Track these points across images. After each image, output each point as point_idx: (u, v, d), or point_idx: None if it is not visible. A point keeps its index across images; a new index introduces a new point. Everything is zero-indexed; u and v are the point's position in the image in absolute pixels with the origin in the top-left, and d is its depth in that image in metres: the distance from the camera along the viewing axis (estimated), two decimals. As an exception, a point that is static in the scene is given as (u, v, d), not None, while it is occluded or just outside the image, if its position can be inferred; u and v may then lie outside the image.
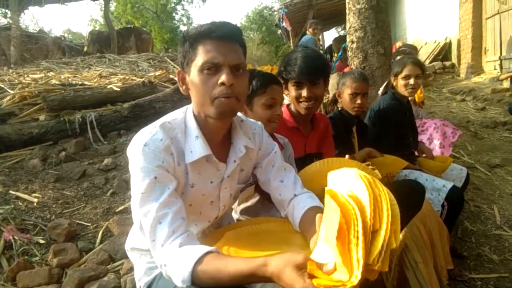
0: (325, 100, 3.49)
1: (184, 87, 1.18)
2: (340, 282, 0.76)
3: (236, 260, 0.94)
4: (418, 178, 2.25)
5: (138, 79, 5.24)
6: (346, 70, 3.59)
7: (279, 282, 0.86)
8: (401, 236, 1.84)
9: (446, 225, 2.12)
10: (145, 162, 1.05)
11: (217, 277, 0.91)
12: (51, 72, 6.20)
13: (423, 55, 8.81)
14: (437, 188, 2.18)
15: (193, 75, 1.11)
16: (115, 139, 3.69)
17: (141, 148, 1.06)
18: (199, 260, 0.93)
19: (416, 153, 2.71)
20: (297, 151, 1.77)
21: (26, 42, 9.40)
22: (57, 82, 5.00)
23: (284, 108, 1.95)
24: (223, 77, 1.07)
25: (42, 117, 3.93)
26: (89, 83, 5.17)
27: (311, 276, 0.81)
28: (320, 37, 12.22)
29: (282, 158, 1.38)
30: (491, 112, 5.58)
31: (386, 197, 0.87)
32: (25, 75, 5.77)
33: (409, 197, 1.63)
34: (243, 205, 1.57)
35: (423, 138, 3.29)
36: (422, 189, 1.69)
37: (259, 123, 1.38)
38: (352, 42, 4.14)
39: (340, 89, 2.39)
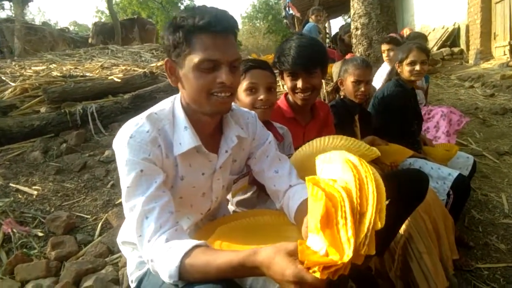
0: (328, 88, 3.43)
1: (173, 78, 1.12)
2: (330, 260, 0.74)
3: (225, 253, 0.91)
4: (423, 166, 2.20)
5: (140, 70, 5.18)
6: (347, 57, 3.52)
7: (268, 272, 0.81)
8: (404, 225, 1.80)
9: (452, 214, 2.07)
10: (130, 155, 1.01)
11: (205, 270, 0.88)
12: (53, 64, 6.16)
13: (431, 41, 8.64)
14: (442, 176, 2.13)
15: (188, 70, 1.05)
16: (116, 130, 3.65)
17: (126, 140, 1.02)
18: (187, 254, 0.90)
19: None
20: (295, 141, 1.71)
21: (27, 34, 9.36)
22: (58, 74, 4.96)
23: (282, 98, 1.89)
24: (223, 77, 1.03)
25: (43, 109, 3.89)
26: (91, 75, 5.13)
27: (303, 263, 0.78)
28: (327, 25, 12.07)
29: (277, 149, 1.33)
30: (500, 99, 5.46)
31: (372, 177, 0.85)
32: (27, 67, 5.75)
33: (412, 187, 1.59)
34: (239, 197, 1.53)
35: (429, 125, 3.23)
36: (426, 179, 1.64)
37: (253, 112, 1.33)
38: (357, 28, 4.06)
39: (342, 77, 2.33)
